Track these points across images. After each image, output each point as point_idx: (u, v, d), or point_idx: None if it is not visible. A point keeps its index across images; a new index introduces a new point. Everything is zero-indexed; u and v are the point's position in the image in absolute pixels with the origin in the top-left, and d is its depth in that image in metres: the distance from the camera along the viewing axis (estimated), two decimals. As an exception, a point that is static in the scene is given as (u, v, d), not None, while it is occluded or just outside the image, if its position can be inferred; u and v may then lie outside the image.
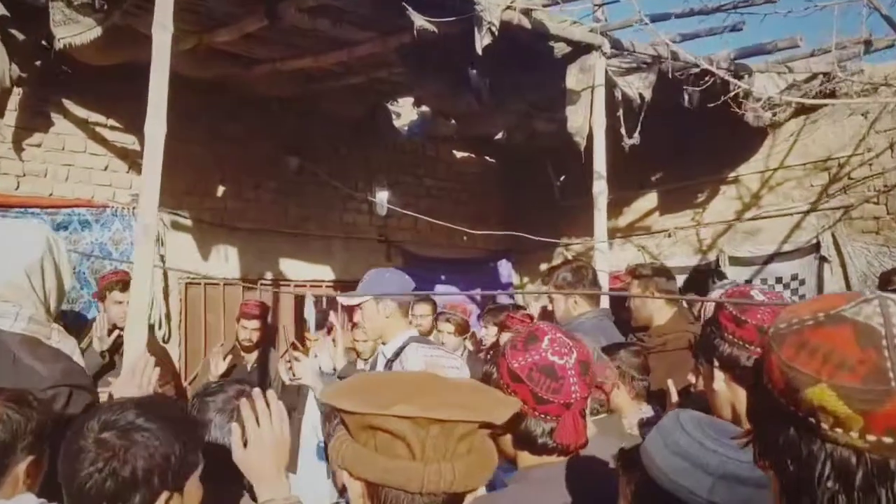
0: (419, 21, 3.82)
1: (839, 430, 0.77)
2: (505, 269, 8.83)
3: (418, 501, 1.21)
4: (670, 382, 2.74)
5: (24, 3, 4.57)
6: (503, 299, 8.03)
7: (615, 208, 6.89)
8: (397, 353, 2.96)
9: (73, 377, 2.04)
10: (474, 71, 4.86)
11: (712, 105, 5.20)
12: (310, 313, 6.09)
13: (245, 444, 1.70)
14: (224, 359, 5.03)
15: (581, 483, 1.61)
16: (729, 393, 1.76)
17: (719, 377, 1.76)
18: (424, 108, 7.23)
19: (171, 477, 1.44)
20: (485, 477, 1.31)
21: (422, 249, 8.00)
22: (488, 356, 3.33)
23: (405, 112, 7.68)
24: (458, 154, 8.66)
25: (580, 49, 4.95)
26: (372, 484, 1.26)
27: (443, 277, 7.93)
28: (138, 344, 2.84)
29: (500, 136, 7.57)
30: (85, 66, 5.24)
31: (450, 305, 5.63)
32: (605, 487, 1.58)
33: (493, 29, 3.92)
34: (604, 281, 4.61)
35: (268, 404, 1.75)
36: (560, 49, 5.00)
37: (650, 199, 7.82)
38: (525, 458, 1.65)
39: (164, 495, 1.43)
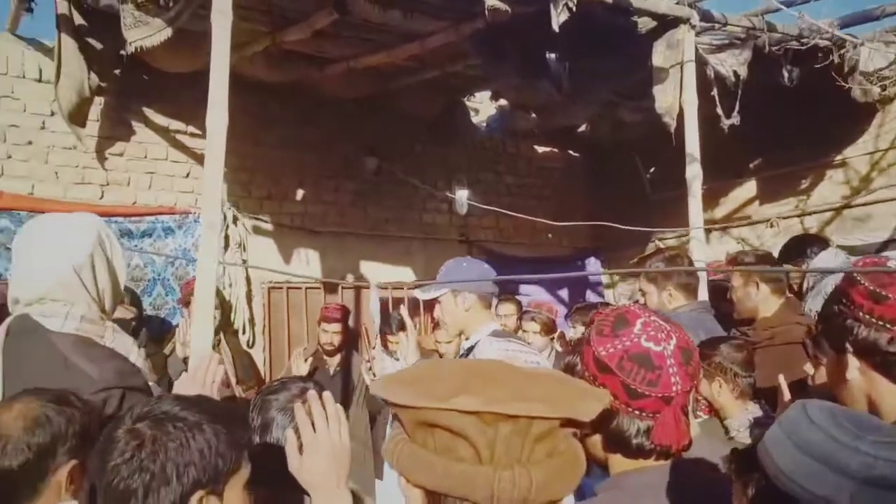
0: (490, 0, 3.61)
1: None
2: (593, 267, 8.49)
3: (488, 513, 1.00)
4: (781, 378, 2.46)
5: (100, 11, 4.62)
6: (592, 298, 7.75)
7: (711, 199, 6.55)
8: (472, 347, 2.74)
9: (127, 378, 1.92)
10: (552, 55, 4.62)
11: (818, 66, 4.75)
12: (374, 309, 5.92)
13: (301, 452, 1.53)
14: (305, 361, 4.97)
15: (685, 490, 1.36)
16: (865, 383, 1.46)
17: (853, 365, 1.46)
18: (503, 102, 7.02)
19: (206, 475, 1.27)
20: (570, 486, 1.09)
21: (504, 249, 7.78)
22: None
23: (483, 107, 7.49)
24: (540, 149, 8.38)
25: (666, 23, 4.62)
26: (432, 493, 1.05)
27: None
28: (204, 340, 2.71)
29: (583, 128, 7.32)
30: (163, 75, 5.30)
31: (535, 304, 5.38)
32: (715, 495, 1.33)
33: (571, 4, 3.67)
34: (701, 273, 4.27)
35: (324, 407, 1.58)
36: (644, 24, 4.69)
37: (748, 188, 7.41)
38: (618, 463, 1.40)
39: (198, 494, 1.26)
